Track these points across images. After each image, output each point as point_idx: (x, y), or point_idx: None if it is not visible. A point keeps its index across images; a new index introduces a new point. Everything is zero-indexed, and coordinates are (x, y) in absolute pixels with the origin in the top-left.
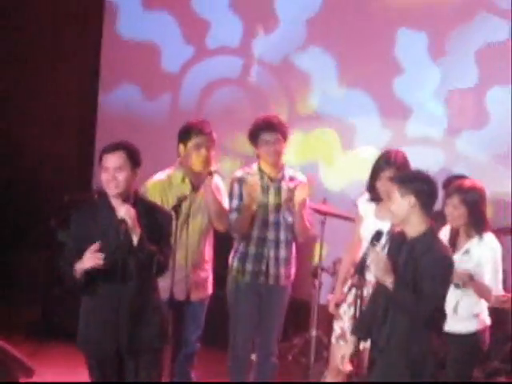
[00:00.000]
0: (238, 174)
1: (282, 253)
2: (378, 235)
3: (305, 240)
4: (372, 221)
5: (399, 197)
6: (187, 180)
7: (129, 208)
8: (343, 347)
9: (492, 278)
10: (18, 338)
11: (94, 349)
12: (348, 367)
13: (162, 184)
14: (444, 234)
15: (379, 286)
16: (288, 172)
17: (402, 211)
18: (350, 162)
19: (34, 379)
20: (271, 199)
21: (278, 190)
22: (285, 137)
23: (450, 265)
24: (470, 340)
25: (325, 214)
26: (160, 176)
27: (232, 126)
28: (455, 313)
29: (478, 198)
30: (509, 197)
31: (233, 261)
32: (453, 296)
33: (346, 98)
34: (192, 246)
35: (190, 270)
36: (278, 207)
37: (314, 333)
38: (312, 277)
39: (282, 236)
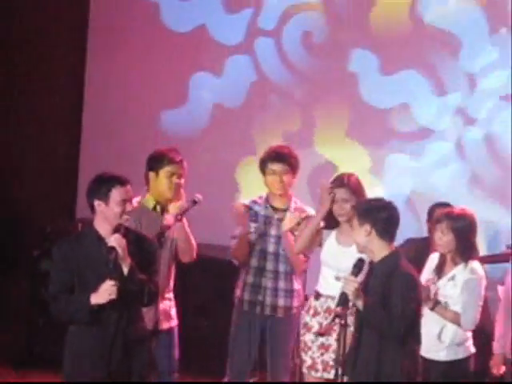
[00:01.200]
0: (246, 201)
1: (282, 284)
2: (360, 263)
3: (300, 273)
4: (334, 245)
5: (358, 226)
6: (158, 207)
7: (119, 237)
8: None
9: (470, 305)
10: (2, 369)
11: (84, 381)
12: None
13: (135, 210)
14: (432, 260)
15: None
16: (295, 204)
17: (361, 240)
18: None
19: None
20: (273, 230)
21: (281, 222)
22: (293, 168)
23: (415, 283)
24: (453, 368)
25: None
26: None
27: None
28: (439, 340)
29: (466, 225)
30: None
31: (236, 290)
32: (437, 323)
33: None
34: (162, 274)
35: (159, 299)
36: (278, 238)
37: (297, 361)
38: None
39: (281, 268)
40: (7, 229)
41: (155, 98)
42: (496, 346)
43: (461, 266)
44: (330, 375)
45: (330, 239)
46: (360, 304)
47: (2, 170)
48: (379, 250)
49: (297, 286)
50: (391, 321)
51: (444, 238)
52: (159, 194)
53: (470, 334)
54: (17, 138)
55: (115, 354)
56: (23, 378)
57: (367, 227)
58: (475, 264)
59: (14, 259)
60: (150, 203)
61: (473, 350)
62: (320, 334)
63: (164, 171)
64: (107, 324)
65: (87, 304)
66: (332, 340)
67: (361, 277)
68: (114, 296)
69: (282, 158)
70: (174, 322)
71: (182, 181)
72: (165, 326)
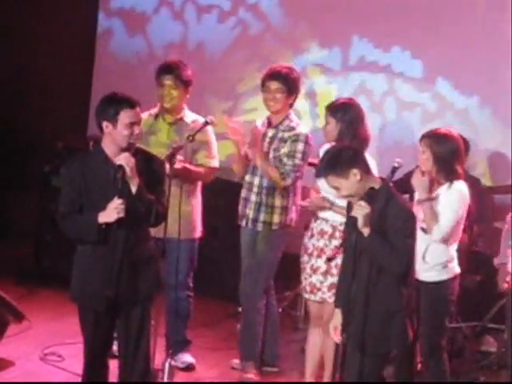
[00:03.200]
0: (258, 122)
1: (264, 199)
2: (371, 191)
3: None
4: None
5: (343, 180)
6: (160, 117)
7: (128, 156)
8: (326, 309)
9: (444, 216)
10: (9, 282)
11: (92, 301)
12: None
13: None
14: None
15: (347, 255)
16: (290, 122)
17: (354, 188)
18: None
19: (24, 325)
20: (265, 146)
21: (272, 139)
22: (289, 88)
23: (412, 217)
24: (438, 289)
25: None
26: (144, 114)
27: None
28: (424, 261)
29: (446, 146)
30: None
31: None
32: (423, 241)
33: None
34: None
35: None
36: (266, 154)
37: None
38: (304, 230)
39: (266, 183)
40: (19, 145)
41: None
42: (497, 261)
43: (445, 186)
44: (316, 297)
45: None
46: (366, 231)
47: (15, 86)
48: (369, 185)
49: (281, 202)
50: (395, 256)
51: (423, 156)
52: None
53: (454, 255)
54: (30, 56)
55: (123, 274)
56: (31, 293)
57: (354, 171)
58: (459, 184)
59: (25, 175)
60: (155, 113)
61: (457, 270)
62: (329, 259)
63: (159, 81)
64: (115, 243)
65: (95, 223)
66: (320, 262)
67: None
68: (122, 214)
69: (278, 77)
70: (191, 235)
71: (176, 92)
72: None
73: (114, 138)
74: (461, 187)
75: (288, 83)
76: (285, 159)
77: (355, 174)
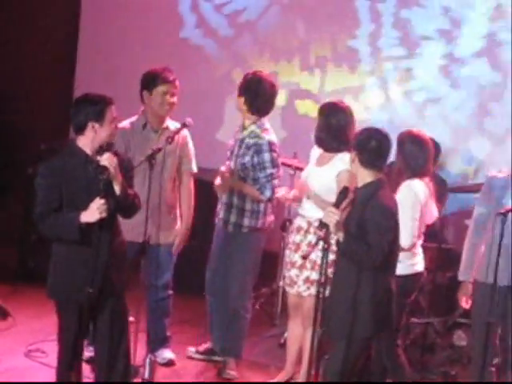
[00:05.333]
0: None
1: (235, 201)
2: (345, 191)
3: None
4: (312, 165)
5: (351, 152)
6: (149, 126)
7: (111, 156)
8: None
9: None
10: None
11: (73, 298)
12: None
13: (124, 131)
14: None
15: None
16: (254, 130)
17: (351, 165)
18: None
19: (8, 322)
20: (235, 149)
21: (241, 143)
22: (240, 90)
23: (391, 213)
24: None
25: (295, 168)
26: (124, 123)
27: None
28: None
29: (411, 145)
30: None
31: None
32: None
33: None
34: (164, 192)
35: (159, 214)
36: (236, 157)
37: (280, 283)
38: (280, 229)
39: None
40: (2, 150)
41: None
42: (462, 272)
43: (405, 183)
44: (293, 290)
45: (313, 160)
46: (341, 236)
47: None
48: (363, 177)
49: (252, 206)
50: (367, 251)
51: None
52: (153, 113)
53: (417, 252)
54: (13, 59)
55: (99, 268)
56: (15, 292)
57: (353, 154)
58: (416, 182)
59: (11, 174)
60: (141, 123)
61: (418, 268)
62: (303, 257)
63: (157, 90)
64: (94, 240)
65: (76, 222)
66: (297, 257)
67: (345, 203)
68: (104, 214)
69: (239, 88)
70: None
71: (175, 99)
72: (164, 240)
73: (98, 136)
74: (415, 185)
75: (241, 87)
76: (256, 173)
77: (352, 156)
